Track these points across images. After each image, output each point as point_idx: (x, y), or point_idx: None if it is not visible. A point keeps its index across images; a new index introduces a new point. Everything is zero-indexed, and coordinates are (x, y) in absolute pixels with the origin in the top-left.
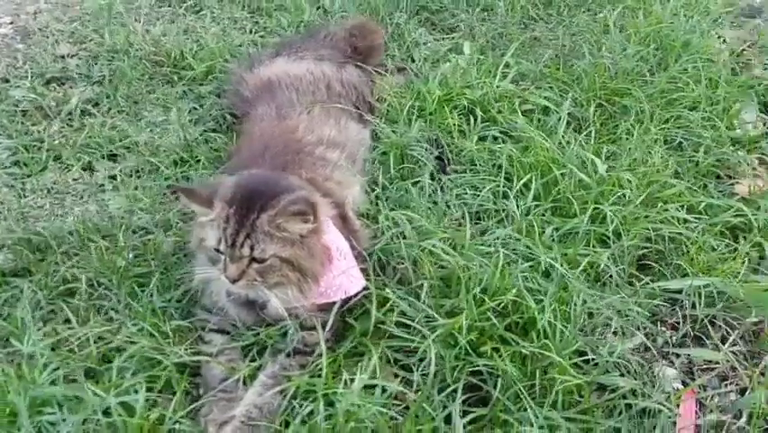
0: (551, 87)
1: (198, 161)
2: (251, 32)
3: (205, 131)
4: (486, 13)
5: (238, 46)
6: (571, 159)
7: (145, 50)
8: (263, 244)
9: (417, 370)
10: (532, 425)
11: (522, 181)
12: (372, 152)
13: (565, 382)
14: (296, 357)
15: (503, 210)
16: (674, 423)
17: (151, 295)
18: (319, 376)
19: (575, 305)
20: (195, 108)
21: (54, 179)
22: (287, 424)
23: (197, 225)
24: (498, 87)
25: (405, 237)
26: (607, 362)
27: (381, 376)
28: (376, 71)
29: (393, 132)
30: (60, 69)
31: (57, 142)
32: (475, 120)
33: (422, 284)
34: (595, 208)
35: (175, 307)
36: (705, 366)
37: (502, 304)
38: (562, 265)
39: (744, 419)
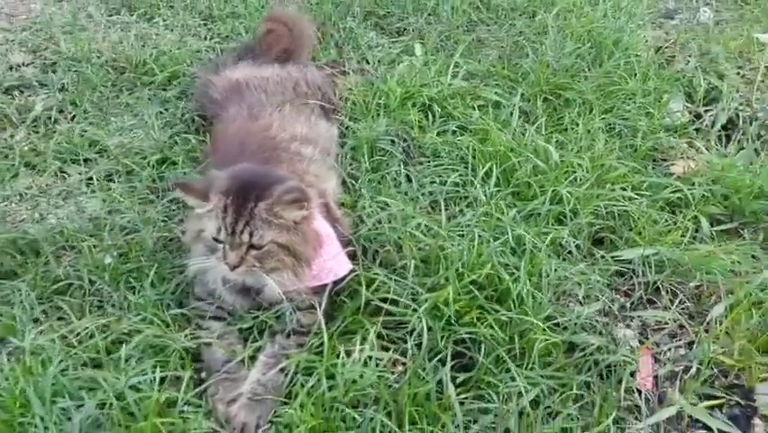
0: (498, 84)
1: (175, 163)
2: (206, 38)
3: (175, 133)
4: (432, 17)
5: (196, 52)
6: (527, 147)
7: (106, 56)
8: (261, 230)
9: (410, 340)
10: (514, 382)
11: (484, 170)
12: (341, 147)
13: (544, 341)
14: (293, 337)
15: (466, 197)
16: (633, 374)
17: (144, 288)
18: (318, 354)
19: (546, 275)
20: (161, 112)
21: (27, 185)
22: (293, 396)
23: (193, 217)
24: (450, 84)
25: (389, 222)
26: (575, 324)
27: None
28: (337, 72)
29: (361, 128)
30: (18, 77)
31: (26, 148)
32: (434, 116)
33: (405, 264)
34: (552, 191)
35: (169, 299)
36: (656, 326)
37: (480, 277)
38: (529, 241)
39: (693, 368)
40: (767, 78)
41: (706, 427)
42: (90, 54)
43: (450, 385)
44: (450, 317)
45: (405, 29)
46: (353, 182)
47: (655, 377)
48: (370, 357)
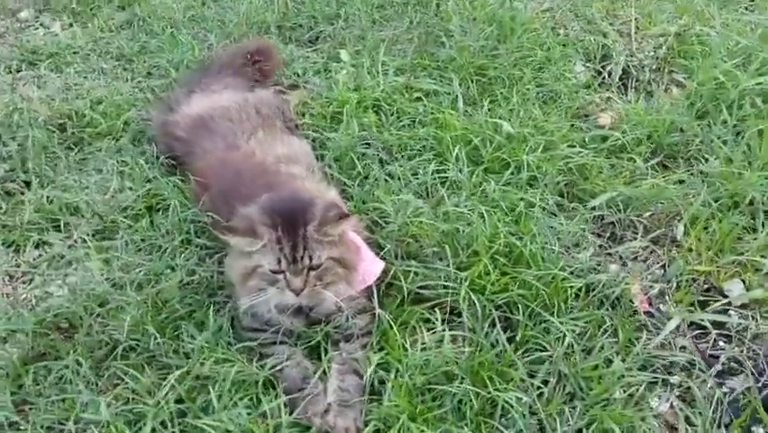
0: (427, 75)
1: (164, 209)
2: (128, 79)
3: (149, 179)
4: (340, 22)
5: (129, 94)
6: (481, 126)
7: (43, 115)
8: (318, 251)
9: (465, 314)
10: (549, 332)
11: (454, 154)
12: (320, 159)
13: (567, 288)
14: (356, 341)
15: (446, 180)
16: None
17: (188, 333)
18: (381, 350)
19: (540, 234)
20: (124, 162)
21: (11, 264)
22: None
23: (240, 256)
24: (389, 83)
25: (401, 217)
26: (581, 269)
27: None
28: (280, 90)
29: (338, 137)
30: None
31: None
32: (385, 115)
33: (427, 252)
34: (515, 160)
35: (224, 337)
36: (633, 256)
37: (500, 246)
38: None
39: (674, 283)
40: (639, 29)
41: (700, 326)
42: (27, 115)
43: (507, 346)
44: (485, 287)
45: (317, 37)
46: (349, 188)
47: (649, 298)
48: (432, 341)
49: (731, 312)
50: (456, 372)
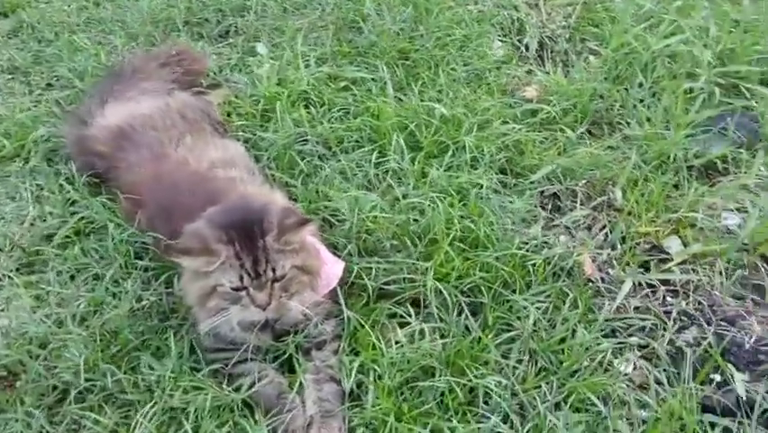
0: (349, 62)
1: (92, 232)
2: (26, 93)
3: (72, 201)
4: (253, 14)
5: (28, 110)
6: (414, 111)
7: None
8: (281, 261)
9: (433, 305)
10: (511, 310)
11: (393, 142)
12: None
13: (530, 263)
14: (326, 347)
15: (388, 170)
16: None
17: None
18: (354, 352)
19: (495, 215)
20: (39, 186)
21: None
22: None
23: (196, 276)
24: (312, 74)
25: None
26: (535, 245)
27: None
28: (200, 91)
29: (275, 137)
30: None
31: None
32: (315, 107)
33: (385, 246)
34: (454, 141)
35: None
36: (576, 225)
37: (456, 232)
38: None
39: (619, 247)
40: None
41: (649, 285)
42: None
43: (480, 332)
44: (448, 274)
45: (227, 31)
46: (293, 188)
47: (597, 265)
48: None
49: (673, 268)
50: (434, 364)
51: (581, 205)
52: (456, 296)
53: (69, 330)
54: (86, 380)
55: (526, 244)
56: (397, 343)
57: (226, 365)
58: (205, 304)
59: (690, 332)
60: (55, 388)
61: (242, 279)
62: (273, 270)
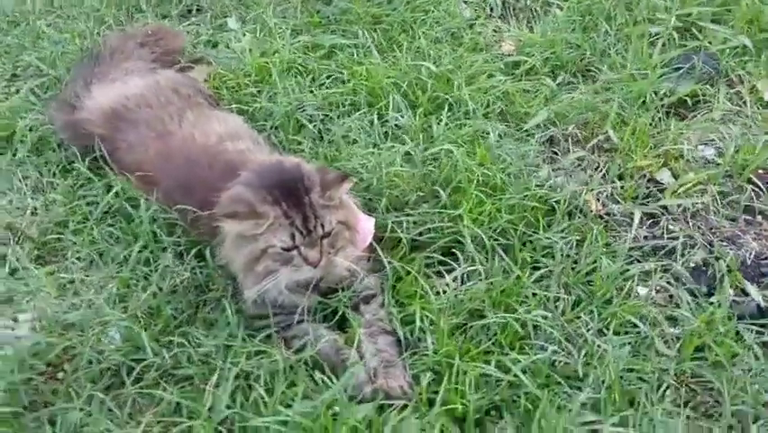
0: (324, 31)
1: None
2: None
3: (78, 186)
4: None
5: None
6: (406, 71)
7: None
8: (327, 216)
9: (475, 249)
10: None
11: (391, 102)
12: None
13: (553, 202)
14: (374, 301)
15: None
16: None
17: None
18: (400, 304)
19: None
20: (40, 174)
21: None
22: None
23: (244, 243)
24: (292, 44)
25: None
26: (550, 186)
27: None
28: (182, 68)
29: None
30: None
31: None
32: (302, 75)
33: (411, 199)
34: (450, 96)
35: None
36: (575, 166)
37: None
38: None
39: (618, 183)
40: None
41: (650, 215)
42: None
43: (519, 271)
44: (477, 219)
45: (189, 10)
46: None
47: (602, 202)
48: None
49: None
50: (480, 307)
51: (577, 148)
52: (491, 237)
53: (106, 313)
54: (136, 360)
55: (540, 186)
56: (440, 292)
57: (278, 330)
58: (252, 269)
59: (698, 254)
60: (102, 373)
61: (293, 237)
62: (322, 226)
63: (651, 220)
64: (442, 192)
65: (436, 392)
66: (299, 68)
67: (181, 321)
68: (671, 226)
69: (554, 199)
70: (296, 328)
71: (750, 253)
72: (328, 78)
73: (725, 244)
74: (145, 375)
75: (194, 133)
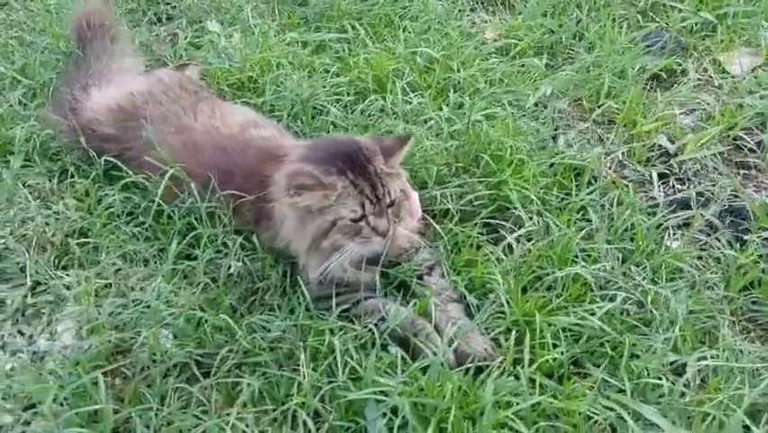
0: (310, 29)
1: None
2: None
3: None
4: None
5: None
6: (405, 58)
7: None
8: (392, 184)
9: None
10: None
11: (399, 87)
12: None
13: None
14: (435, 271)
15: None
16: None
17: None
18: (458, 273)
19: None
20: (49, 179)
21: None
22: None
23: (309, 219)
24: (281, 41)
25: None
26: (572, 155)
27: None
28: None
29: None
30: None
31: None
32: (299, 70)
33: (444, 172)
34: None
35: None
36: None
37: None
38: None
39: (622, 149)
40: None
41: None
42: None
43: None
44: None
45: (159, 18)
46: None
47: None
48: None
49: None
50: (546, 265)
51: (578, 122)
52: (533, 201)
53: (159, 310)
54: (205, 355)
55: (560, 154)
56: (496, 257)
57: (347, 309)
58: (318, 247)
59: (712, 207)
60: (169, 371)
61: (363, 206)
62: (389, 193)
63: (661, 181)
64: (481, 162)
65: (520, 351)
66: (293, 63)
67: (242, 312)
68: (678, 186)
69: (578, 165)
70: (365, 305)
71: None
72: (323, 71)
73: (731, 197)
74: (217, 367)
75: (215, 124)
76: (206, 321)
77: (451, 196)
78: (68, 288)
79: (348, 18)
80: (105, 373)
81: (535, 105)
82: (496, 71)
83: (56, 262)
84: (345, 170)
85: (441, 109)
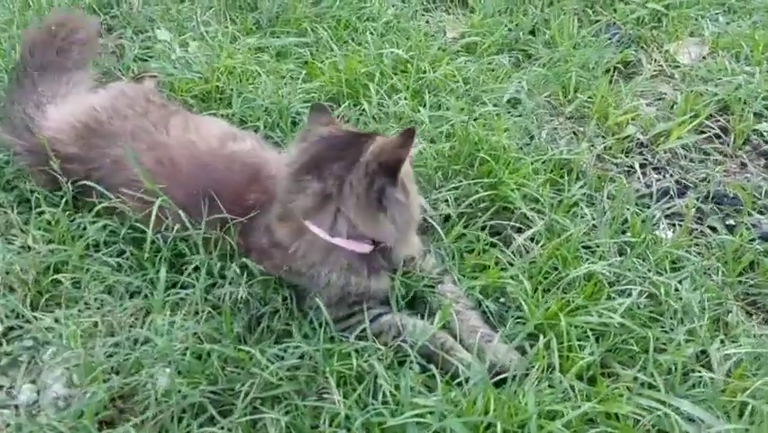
0: (268, 34)
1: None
2: None
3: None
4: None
5: None
6: (373, 60)
7: None
8: None
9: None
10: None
11: (373, 91)
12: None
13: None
14: (446, 279)
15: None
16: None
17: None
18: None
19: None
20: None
21: None
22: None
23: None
24: (239, 49)
25: None
26: (560, 150)
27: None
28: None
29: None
30: None
31: None
32: (264, 76)
33: (434, 178)
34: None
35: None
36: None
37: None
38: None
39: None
40: None
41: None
42: None
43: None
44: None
45: (109, 28)
46: None
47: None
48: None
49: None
50: (559, 263)
51: (551, 117)
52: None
53: (162, 347)
54: (219, 391)
55: (550, 151)
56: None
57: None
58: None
59: (690, 195)
60: (184, 412)
61: None
62: None
63: (636, 172)
64: (476, 163)
65: (545, 355)
66: (259, 70)
67: (256, 339)
68: (654, 175)
69: (566, 161)
70: (381, 322)
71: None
72: (291, 78)
73: (704, 183)
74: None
75: (190, 138)
76: (219, 354)
77: (448, 200)
78: (48, 330)
79: (306, 21)
80: (108, 423)
81: (508, 102)
82: (467, 70)
83: (30, 302)
84: None
85: (419, 111)
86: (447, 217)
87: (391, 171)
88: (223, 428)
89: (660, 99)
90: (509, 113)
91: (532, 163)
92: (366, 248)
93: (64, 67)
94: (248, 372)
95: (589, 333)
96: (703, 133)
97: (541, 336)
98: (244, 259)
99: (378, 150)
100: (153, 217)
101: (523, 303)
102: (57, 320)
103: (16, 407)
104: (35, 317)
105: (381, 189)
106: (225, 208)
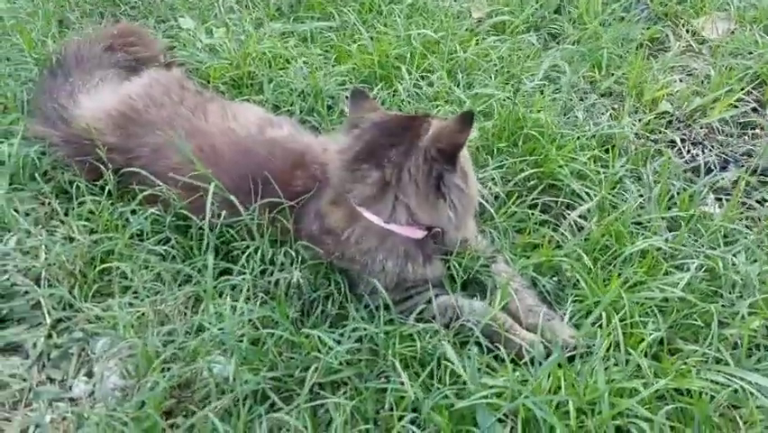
0: (290, 19)
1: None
2: None
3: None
4: None
5: None
6: (406, 40)
7: None
8: None
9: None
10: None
11: (405, 72)
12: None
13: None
14: (499, 259)
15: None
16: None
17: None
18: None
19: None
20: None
21: None
22: None
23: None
24: (267, 35)
25: None
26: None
27: None
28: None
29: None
30: None
31: None
32: (293, 62)
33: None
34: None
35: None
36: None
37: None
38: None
39: (635, 117)
40: None
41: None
42: None
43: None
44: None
45: (119, 20)
46: None
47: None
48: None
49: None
50: (614, 239)
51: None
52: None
53: (214, 332)
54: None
55: (593, 128)
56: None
57: (421, 310)
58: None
59: (731, 169)
60: (246, 399)
61: None
62: None
63: (677, 147)
64: (519, 140)
65: (610, 333)
66: (290, 55)
67: (309, 326)
68: (692, 150)
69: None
70: (437, 304)
71: None
72: (324, 60)
73: (744, 157)
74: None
75: (230, 125)
76: (276, 340)
77: (494, 178)
78: (97, 320)
79: (331, 5)
80: (168, 413)
81: (541, 80)
82: (498, 49)
83: (78, 294)
84: None
85: (454, 90)
86: (496, 197)
87: (450, 157)
88: (287, 414)
89: (689, 75)
90: (542, 91)
91: (578, 138)
92: (420, 234)
93: (104, 63)
94: (306, 356)
95: (654, 308)
96: (736, 107)
97: (603, 314)
98: (297, 244)
99: (435, 135)
100: (208, 204)
101: (581, 281)
102: (106, 310)
103: (71, 399)
104: (86, 308)
105: (440, 176)
106: (273, 194)
